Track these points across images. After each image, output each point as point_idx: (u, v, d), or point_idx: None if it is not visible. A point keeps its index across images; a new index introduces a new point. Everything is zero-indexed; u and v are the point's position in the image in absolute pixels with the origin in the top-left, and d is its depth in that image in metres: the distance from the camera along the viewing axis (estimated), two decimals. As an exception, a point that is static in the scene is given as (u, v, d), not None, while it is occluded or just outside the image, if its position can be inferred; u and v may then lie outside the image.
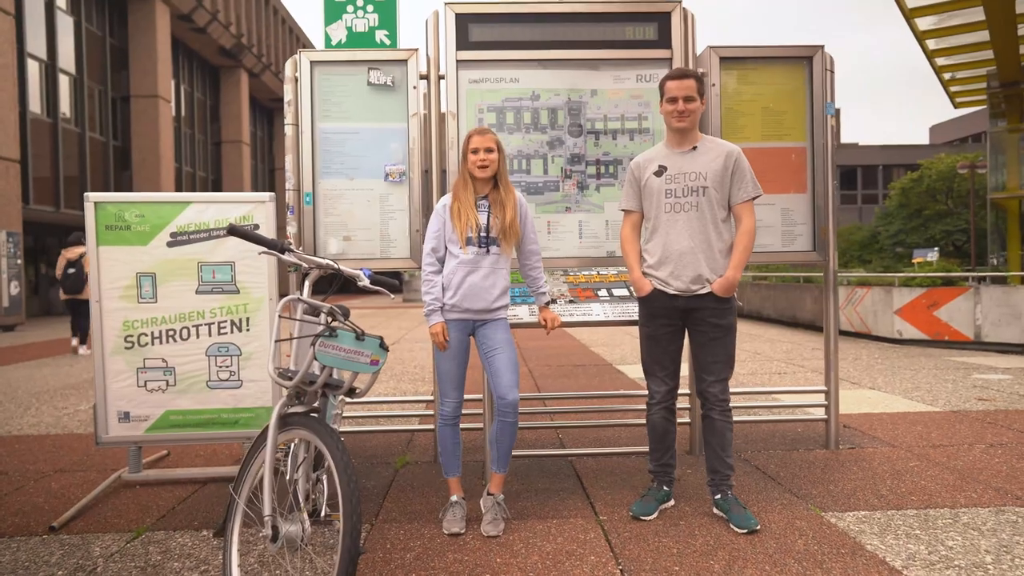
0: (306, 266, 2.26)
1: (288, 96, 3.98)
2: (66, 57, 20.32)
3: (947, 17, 11.35)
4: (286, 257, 2.17)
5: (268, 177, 36.74)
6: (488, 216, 3.06)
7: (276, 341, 2.09)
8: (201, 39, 26.79)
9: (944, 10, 10.88)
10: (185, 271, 3.62)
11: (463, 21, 3.95)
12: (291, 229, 3.91)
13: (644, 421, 4.27)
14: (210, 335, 3.64)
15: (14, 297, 16.06)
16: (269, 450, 2.07)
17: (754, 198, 3.01)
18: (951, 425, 4.78)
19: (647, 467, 3.32)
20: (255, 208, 3.67)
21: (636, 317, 3.54)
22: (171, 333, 3.63)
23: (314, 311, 2.23)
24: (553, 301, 3.83)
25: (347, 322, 2.10)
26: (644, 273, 3.12)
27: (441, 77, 4.00)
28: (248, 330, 3.66)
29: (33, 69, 18.84)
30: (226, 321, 3.65)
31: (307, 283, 2.29)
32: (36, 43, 18.95)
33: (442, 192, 3.95)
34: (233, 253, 3.62)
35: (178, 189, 25.03)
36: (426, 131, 3.99)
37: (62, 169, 19.99)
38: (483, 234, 3.03)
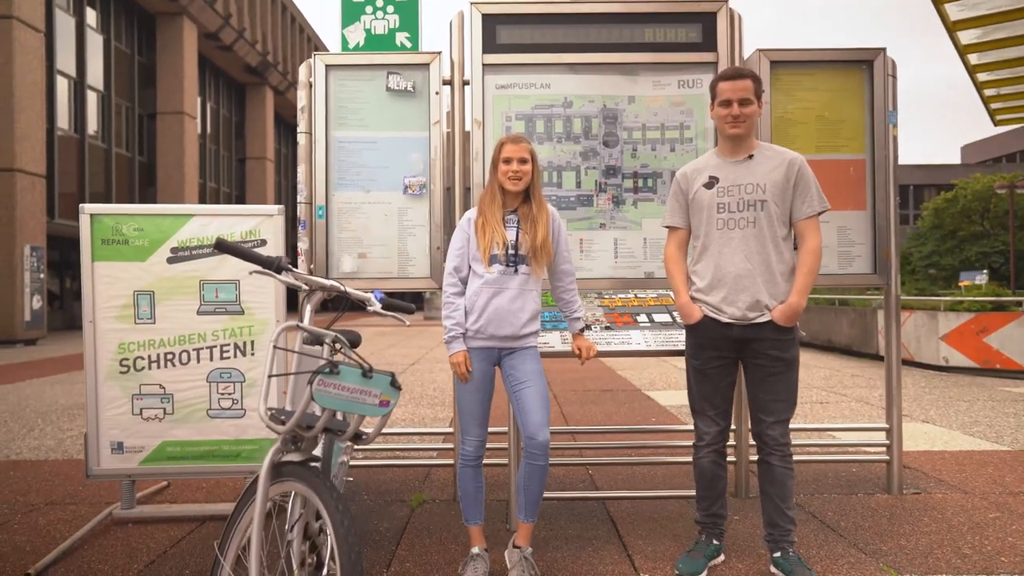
0: (307, 288, 1.94)
1: (302, 102, 3.70)
2: (95, 74, 20.55)
3: (993, 30, 10.88)
4: (283, 278, 1.85)
5: (291, 193, 36.93)
6: (517, 232, 2.73)
7: (269, 376, 1.78)
8: (227, 57, 27.06)
9: (990, 22, 10.41)
10: (186, 289, 3.33)
11: (490, 22, 3.65)
12: (302, 245, 3.61)
13: (683, 459, 3.91)
14: (212, 359, 3.34)
15: (36, 311, 16.06)
16: (258, 508, 1.74)
17: (820, 213, 2.64)
18: (1023, 468, 4.32)
19: (693, 516, 2.93)
20: (262, 222, 3.38)
21: (681, 347, 3.18)
22: (170, 357, 3.34)
23: (316, 340, 1.91)
24: (588, 327, 3.48)
25: (353, 355, 1.78)
26: (692, 298, 2.76)
27: (466, 83, 3.70)
28: (253, 354, 3.36)
29: (62, 86, 19.04)
30: (229, 344, 3.34)
31: (308, 307, 1.97)
32: (66, 60, 19.16)
33: (466, 208, 3.64)
34: (237, 270, 3.32)
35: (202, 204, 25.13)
36: (449, 142, 3.69)
37: (88, 184, 20.13)
38: (510, 251, 2.70)
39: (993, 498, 3.68)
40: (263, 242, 3.34)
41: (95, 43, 20.64)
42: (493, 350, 2.74)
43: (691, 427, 4.13)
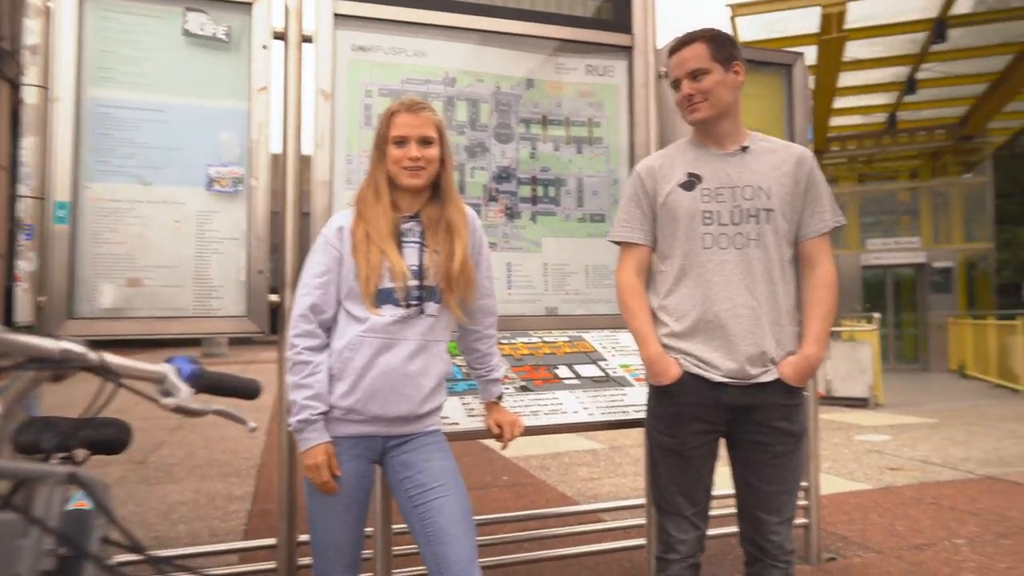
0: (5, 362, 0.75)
1: (33, 38, 2.35)
2: None
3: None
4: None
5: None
6: (420, 250, 1.71)
7: None
8: (-56, 35, 21.89)
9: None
10: None
11: (344, -44, 2.61)
12: (27, 265, 2.23)
13: (585, 548, 3.08)
14: None
15: None
16: None
17: (833, 229, 1.98)
18: (900, 509, 4.15)
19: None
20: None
21: (638, 415, 2.34)
22: None
23: (31, 488, 0.75)
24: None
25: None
26: (665, 346, 1.93)
27: (307, 39, 2.60)
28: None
29: None
30: None
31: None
32: None
33: (302, 224, 2.53)
34: None
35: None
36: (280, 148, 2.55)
37: None
38: (413, 282, 1.67)
39: (908, 557, 3.34)
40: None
41: None
42: (375, 439, 1.69)
43: (584, 507, 3.34)
